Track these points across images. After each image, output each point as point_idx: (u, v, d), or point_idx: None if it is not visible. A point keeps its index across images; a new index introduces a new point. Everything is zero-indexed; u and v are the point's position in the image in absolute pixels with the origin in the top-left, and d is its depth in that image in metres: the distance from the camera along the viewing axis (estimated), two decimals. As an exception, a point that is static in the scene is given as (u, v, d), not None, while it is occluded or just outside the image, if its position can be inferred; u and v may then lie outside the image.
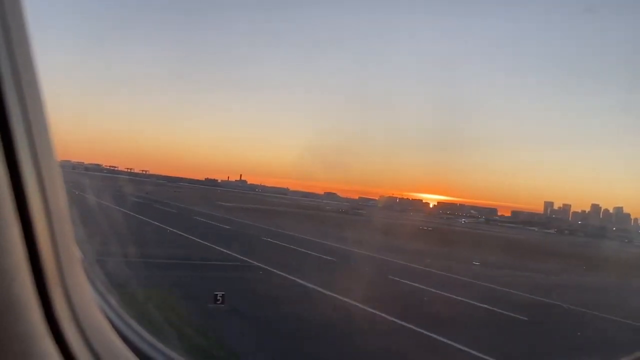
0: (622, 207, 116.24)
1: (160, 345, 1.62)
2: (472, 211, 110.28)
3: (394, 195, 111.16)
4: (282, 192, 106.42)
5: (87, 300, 1.31)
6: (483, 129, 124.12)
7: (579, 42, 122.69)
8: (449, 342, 9.92)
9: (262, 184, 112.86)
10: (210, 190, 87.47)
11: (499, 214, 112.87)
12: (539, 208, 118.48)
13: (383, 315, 11.37)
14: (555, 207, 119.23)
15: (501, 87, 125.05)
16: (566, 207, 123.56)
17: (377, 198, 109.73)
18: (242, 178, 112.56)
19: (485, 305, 13.88)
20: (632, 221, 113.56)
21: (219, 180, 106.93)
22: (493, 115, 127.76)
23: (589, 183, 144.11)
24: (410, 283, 16.38)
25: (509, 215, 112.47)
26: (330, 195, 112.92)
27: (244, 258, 17.07)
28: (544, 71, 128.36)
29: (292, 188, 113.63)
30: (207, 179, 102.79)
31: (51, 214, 1.15)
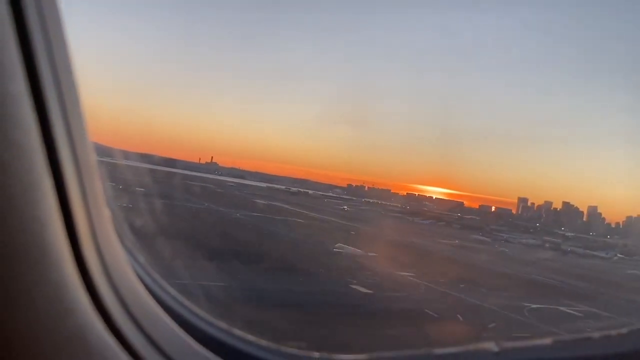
0: (596, 207, 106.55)
1: (188, 302, 1.68)
2: (426, 203, 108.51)
3: (363, 184, 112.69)
4: (234, 174, 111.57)
5: (117, 255, 1.37)
6: (480, 125, 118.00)
7: (569, 41, 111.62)
8: None
9: (237, 167, 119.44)
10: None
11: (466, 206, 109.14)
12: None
13: None
14: (537, 204, 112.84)
15: (502, 85, 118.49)
16: (547, 204, 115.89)
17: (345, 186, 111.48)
18: (214, 160, 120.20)
19: None
20: (600, 220, 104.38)
21: (179, 160, 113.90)
22: (493, 111, 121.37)
23: (587, 182, 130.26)
24: None
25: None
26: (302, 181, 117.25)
27: None
28: (548, 68, 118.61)
29: (278, 174, 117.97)
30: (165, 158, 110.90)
31: (81, 169, 1.21)
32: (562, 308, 29.98)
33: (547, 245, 63.64)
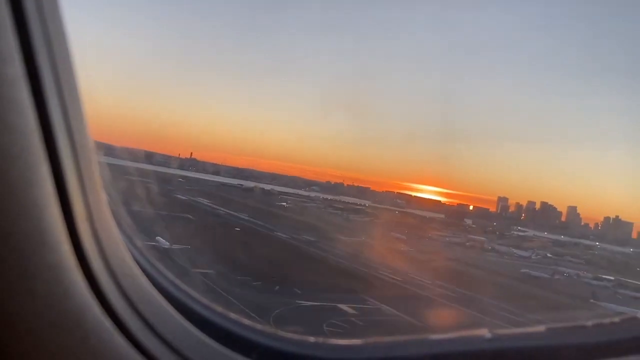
0: (576, 207, 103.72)
1: (184, 285, 1.70)
2: (398, 201, 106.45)
3: (342, 181, 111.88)
4: (208, 169, 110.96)
5: (113, 238, 1.38)
6: (472, 124, 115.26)
7: (562, 43, 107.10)
8: None
9: (223, 164, 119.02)
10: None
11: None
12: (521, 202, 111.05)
13: None
14: (522, 203, 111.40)
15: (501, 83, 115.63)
16: (530, 204, 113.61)
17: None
18: (193, 156, 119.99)
19: None
20: (577, 220, 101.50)
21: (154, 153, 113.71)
22: (487, 111, 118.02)
23: (576, 183, 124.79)
24: None
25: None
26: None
27: None
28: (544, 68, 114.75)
29: (260, 169, 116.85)
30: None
31: (78, 153, 1.22)
32: (341, 305, 28.10)
33: (468, 243, 60.88)
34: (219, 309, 1.69)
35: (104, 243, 1.29)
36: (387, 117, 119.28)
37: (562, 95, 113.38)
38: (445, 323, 25.59)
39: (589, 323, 1.70)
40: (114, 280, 1.32)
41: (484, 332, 1.65)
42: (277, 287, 30.12)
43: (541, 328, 1.72)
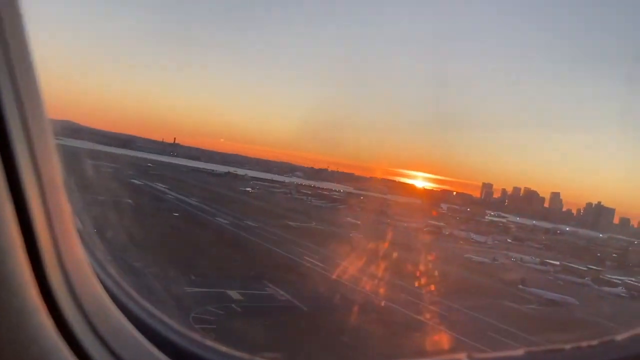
0: (559, 193, 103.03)
1: (158, 313, 1.64)
2: (380, 186, 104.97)
3: (327, 167, 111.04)
4: (189, 154, 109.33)
5: (82, 270, 1.33)
6: (473, 112, 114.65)
7: (550, 31, 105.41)
8: None
9: (207, 149, 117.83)
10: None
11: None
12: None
13: None
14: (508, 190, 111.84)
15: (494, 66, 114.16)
16: (516, 190, 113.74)
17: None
18: (176, 141, 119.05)
19: None
20: (559, 206, 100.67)
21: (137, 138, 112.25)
22: (482, 100, 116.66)
23: (562, 171, 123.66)
24: None
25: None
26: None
27: None
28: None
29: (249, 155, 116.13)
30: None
31: (44, 187, 1.17)
32: (230, 292, 26.38)
33: (426, 229, 59.21)
34: (198, 337, 1.61)
35: (72, 277, 1.23)
36: (379, 104, 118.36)
37: (552, 83, 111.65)
38: (338, 309, 24.03)
39: (568, 346, 1.70)
40: (84, 317, 1.25)
41: (462, 357, 1.65)
42: (173, 274, 28.66)
43: (519, 351, 1.70)
